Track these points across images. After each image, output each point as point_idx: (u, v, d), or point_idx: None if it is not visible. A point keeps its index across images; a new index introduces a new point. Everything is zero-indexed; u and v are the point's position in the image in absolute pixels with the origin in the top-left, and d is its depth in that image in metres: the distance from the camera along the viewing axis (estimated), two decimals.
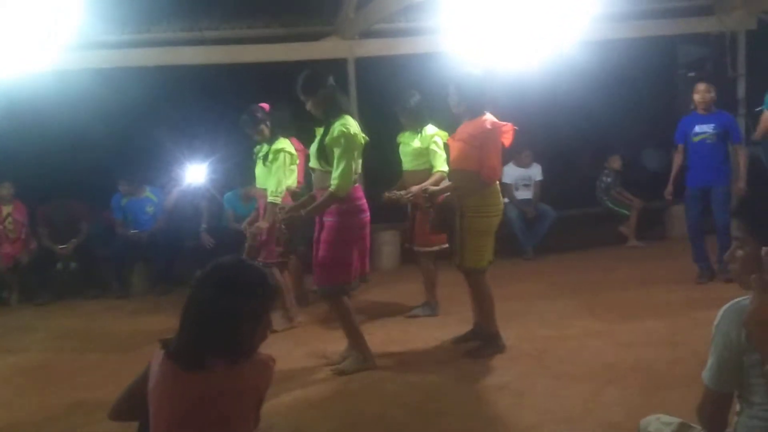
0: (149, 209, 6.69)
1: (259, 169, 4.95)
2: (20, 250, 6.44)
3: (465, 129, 4.07)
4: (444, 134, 4.80)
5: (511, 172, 7.20)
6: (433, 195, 4.32)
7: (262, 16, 6.77)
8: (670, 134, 5.96)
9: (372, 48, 6.81)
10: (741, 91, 7.04)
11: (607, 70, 6.99)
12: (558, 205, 7.23)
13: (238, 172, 6.23)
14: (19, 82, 5.20)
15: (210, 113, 6.65)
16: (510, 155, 7.25)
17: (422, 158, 4.91)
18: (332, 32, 6.82)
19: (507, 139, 4.09)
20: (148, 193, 6.72)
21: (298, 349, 4.48)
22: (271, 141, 4.83)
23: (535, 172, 7.23)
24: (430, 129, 4.92)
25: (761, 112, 5.43)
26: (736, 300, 1.75)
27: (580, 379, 3.72)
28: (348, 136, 3.68)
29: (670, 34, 7.30)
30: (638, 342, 4.23)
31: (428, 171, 4.87)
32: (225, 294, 1.80)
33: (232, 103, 5.89)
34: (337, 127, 3.70)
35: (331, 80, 3.87)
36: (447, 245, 4.58)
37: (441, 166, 4.81)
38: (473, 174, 3.98)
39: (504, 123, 4.05)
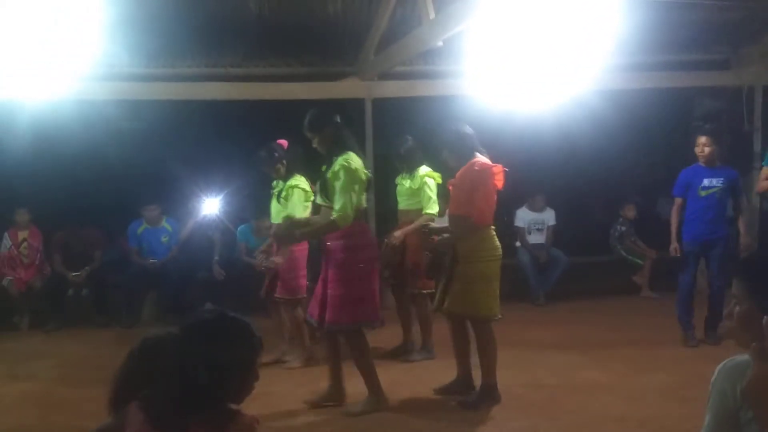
0: (164, 239, 6.75)
1: (274, 206, 5.01)
2: (33, 275, 6.50)
3: (459, 174, 4.09)
4: (437, 175, 4.94)
5: (524, 216, 7.22)
6: (431, 232, 4.34)
7: (284, 55, 6.90)
8: None
9: (390, 89, 6.91)
10: (757, 144, 7.03)
11: (623, 119, 7.02)
12: (571, 251, 7.20)
13: (252, 205, 6.29)
14: (43, 108, 5.33)
15: (227, 147, 6.74)
16: (523, 199, 7.28)
17: (415, 198, 5.01)
18: (352, 73, 6.93)
19: (499, 181, 4.06)
20: (164, 223, 6.79)
21: (301, 389, 4.43)
22: (286, 178, 4.90)
23: (549, 216, 7.23)
24: (422, 170, 5.00)
25: (762, 167, 5.40)
26: (732, 357, 1.76)
27: None
28: (349, 170, 3.73)
29: (687, 86, 7.34)
30: (648, 396, 4.17)
31: (420, 211, 4.94)
32: (210, 350, 1.73)
33: (250, 138, 5.99)
34: (338, 162, 3.77)
35: (337, 118, 3.94)
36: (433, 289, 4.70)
37: (429, 208, 4.90)
38: (464, 218, 3.96)
39: (494, 165, 4.03)
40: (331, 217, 3.74)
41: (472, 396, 4.11)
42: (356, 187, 3.77)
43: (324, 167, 3.91)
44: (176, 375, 1.74)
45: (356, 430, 3.79)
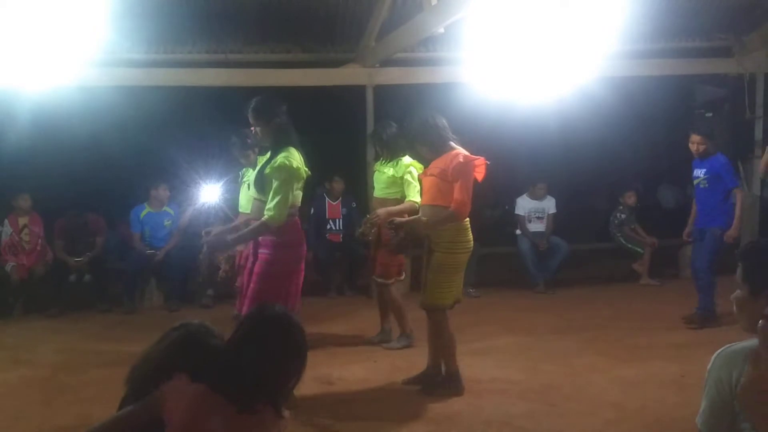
0: (167, 223, 6.74)
1: (244, 194, 4.93)
2: (35, 261, 6.52)
3: (436, 164, 4.00)
4: (420, 166, 4.77)
5: (524, 204, 7.22)
6: (398, 226, 4.18)
7: (285, 42, 6.88)
8: (686, 173, 5.97)
9: (391, 76, 6.89)
10: (758, 132, 7.02)
11: (625, 107, 7.02)
12: (571, 239, 7.21)
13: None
14: (44, 95, 5.33)
15: (227, 134, 6.75)
16: (524, 187, 7.29)
17: (395, 187, 4.90)
18: (353, 60, 6.91)
19: (480, 174, 4.01)
20: (167, 207, 6.79)
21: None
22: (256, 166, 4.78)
23: (549, 204, 7.23)
24: (406, 159, 4.90)
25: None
26: (728, 345, 1.80)
27: (585, 418, 3.71)
28: (289, 169, 3.59)
29: (689, 73, 7.33)
30: (645, 382, 4.20)
31: (398, 201, 4.84)
32: (287, 350, 2.02)
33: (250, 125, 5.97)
34: (279, 158, 3.61)
35: (284, 109, 3.78)
36: (401, 278, 4.76)
37: (413, 196, 4.75)
38: (443, 209, 3.89)
39: (476, 157, 3.97)
40: (263, 218, 3.61)
41: (435, 384, 4.10)
42: (294, 186, 3.63)
43: (264, 159, 3.78)
44: (254, 363, 1.97)
45: (358, 414, 3.83)
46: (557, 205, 7.23)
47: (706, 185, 5.48)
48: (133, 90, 6.64)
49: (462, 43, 5.48)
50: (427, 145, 4.08)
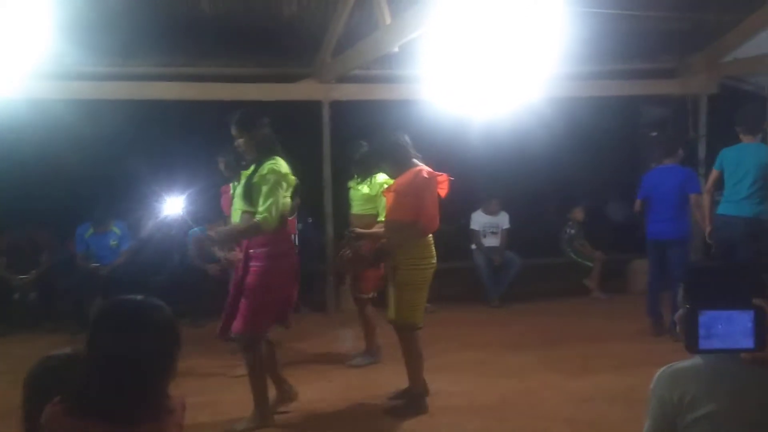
0: (113, 243, 6.60)
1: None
2: None
3: (400, 180, 4.06)
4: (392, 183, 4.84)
5: (479, 219, 7.32)
6: (363, 237, 4.31)
7: (239, 56, 6.83)
8: (632, 190, 6.17)
9: (347, 92, 6.91)
10: (702, 151, 7.28)
11: (574, 126, 7.20)
12: (524, 254, 7.33)
13: (207, 208, 6.22)
14: None
15: (184, 148, 6.66)
16: (478, 203, 7.39)
17: (370, 204, 4.96)
18: (309, 75, 6.91)
19: (443, 190, 4.06)
20: (113, 227, 6.64)
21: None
22: None
23: (503, 220, 7.35)
24: (380, 177, 4.94)
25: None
26: (670, 364, 1.84)
27: None
28: (278, 173, 3.62)
29: (634, 94, 7.56)
30: (597, 397, 4.29)
31: (375, 216, 4.89)
32: (139, 337, 1.70)
33: (205, 140, 5.92)
34: (267, 165, 3.63)
35: (267, 121, 3.81)
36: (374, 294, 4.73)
37: None
38: (407, 225, 3.92)
39: (440, 173, 4.03)
40: (255, 220, 3.58)
41: (401, 403, 4.10)
42: (284, 191, 3.64)
43: (250, 170, 3.76)
44: (111, 364, 1.69)
45: None
46: (510, 221, 7.36)
47: (670, 195, 5.76)
48: (83, 103, 6.49)
49: (417, 61, 5.56)
50: (391, 162, 4.13)
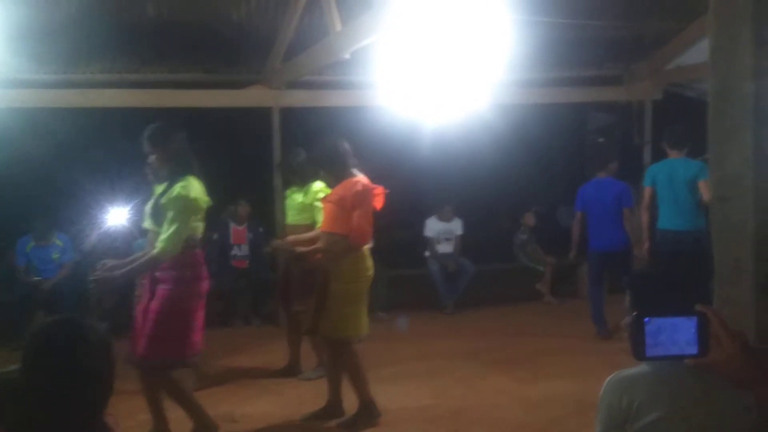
0: (55, 256, 6.36)
1: None
2: None
3: (336, 191, 4.00)
4: (330, 191, 4.68)
5: (433, 226, 7.32)
6: (301, 256, 4.21)
7: (186, 62, 6.66)
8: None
9: (297, 99, 6.82)
10: (647, 157, 7.45)
11: (524, 132, 7.30)
12: (477, 260, 7.37)
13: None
14: None
15: (129, 157, 6.45)
16: (432, 210, 7.40)
17: (306, 213, 4.87)
18: (258, 81, 6.80)
19: (378, 203, 4.01)
20: (55, 239, 6.39)
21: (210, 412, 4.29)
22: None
23: (456, 226, 7.37)
24: (317, 185, 4.89)
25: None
26: (617, 372, 1.85)
27: None
28: (186, 199, 3.44)
29: (581, 101, 7.70)
30: (549, 403, 4.31)
31: (310, 226, 4.80)
32: (74, 359, 1.64)
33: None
34: (176, 188, 3.46)
35: (182, 136, 3.63)
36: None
37: None
38: (342, 237, 3.86)
39: (375, 186, 3.99)
40: (153, 252, 3.41)
41: (350, 417, 4.02)
42: (190, 217, 3.47)
43: (159, 189, 3.60)
44: (42, 390, 1.63)
45: None
46: (465, 227, 7.39)
47: (609, 208, 5.93)
48: (23, 111, 6.23)
49: (369, 67, 5.53)
50: (329, 170, 4.09)
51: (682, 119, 5.97)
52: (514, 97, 6.94)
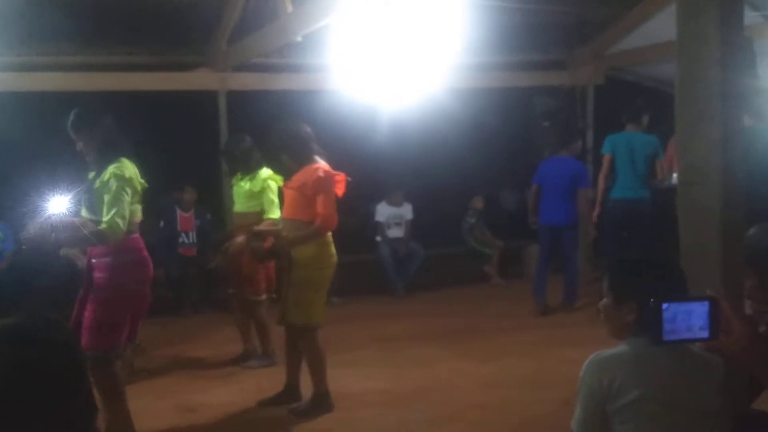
0: None
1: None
2: None
3: (297, 177, 3.95)
4: (278, 178, 4.70)
5: (383, 211, 7.33)
6: (261, 235, 4.13)
7: (127, 43, 6.42)
8: (526, 179, 6.44)
9: (245, 82, 6.68)
10: (589, 140, 7.66)
11: (473, 116, 7.35)
12: (427, 244, 7.43)
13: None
14: None
15: (69, 143, 6.17)
16: (383, 194, 7.40)
17: (254, 200, 4.78)
18: (203, 63, 6.62)
19: (340, 189, 3.99)
20: None
21: (162, 401, 4.21)
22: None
23: (407, 211, 7.40)
24: (264, 172, 4.81)
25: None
26: (598, 352, 1.91)
27: (452, 422, 3.82)
28: (121, 178, 3.30)
29: (527, 85, 7.83)
30: (504, 382, 4.40)
31: (259, 214, 4.73)
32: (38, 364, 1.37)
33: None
34: (109, 170, 3.31)
35: (108, 120, 3.50)
36: (275, 294, 4.54)
37: (273, 212, 4.65)
38: (305, 224, 3.83)
39: (337, 173, 3.96)
40: (99, 228, 3.25)
41: (303, 403, 4.01)
42: (129, 197, 3.32)
43: (91, 175, 3.45)
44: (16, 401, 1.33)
45: None
46: (414, 211, 7.43)
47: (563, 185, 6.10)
48: None
49: (321, 51, 5.46)
50: (291, 155, 4.00)
51: (623, 103, 6.20)
52: (463, 81, 6.99)
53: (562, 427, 3.66)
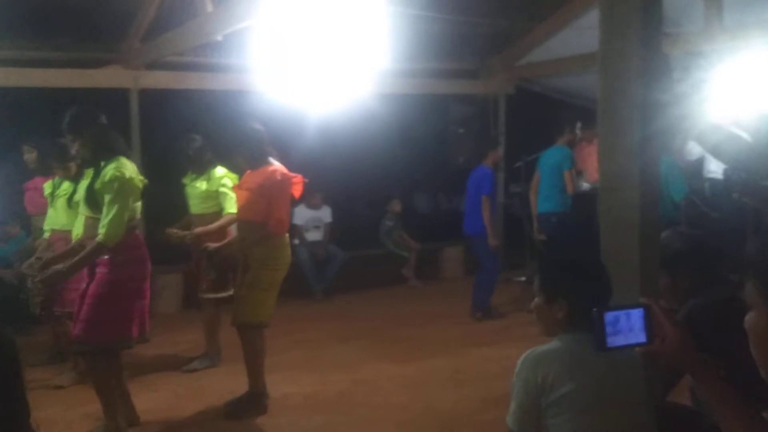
0: None
1: (59, 210, 4.46)
2: None
3: (252, 178, 3.96)
4: (234, 176, 4.70)
5: (302, 214, 7.30)
6: (215, 251, 4.29)
7: (34, 38, 6.07)
8: (441, 183, 6.59)
9: (159, 80, 6.47)
10: (501, 148, 7.92)
11: (393, 122, 7.47)
12: (345, 246, 7.46)
13: (2, 209, 5.48)
14: None
15: None
16: (301, 197, 7.35)
17: (211, 201, 4.76)
18: (114, 60, 6.36)
19: (297, 191, 4.06)
20: None
21: (72, 411, 4.02)
22: (76, 178, 4.25)
23: (325, 213, 7.41)
24: (219, 171, 4.79)
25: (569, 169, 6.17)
26: (533, 348, 2.00)
27: (377, 423, 3.87)
28: (122, 180, 3.36)
29: (443, 93, 8.02)
30: (426, 382, 4.50)
31: (217, 214, 4.72)
32: None
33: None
34: (109, 171, 3.36)
35: (103, 119, 3.55)
36: (231, 293, 4.52)
37: (231, 208, 4.63)
38: (259, 225, 3.86)
39: (294, 174, 4.02)
40: (97, 239, 3.32)
41: (237, 403, 3.99)
42: (130, 199, 3.41)
43: (90, 174, 3.47)
44: None
45: None
46: (333, 214, 7.44)
47: (471, 193, 6.19)
48: None
49: (242, 51, 5.38)
50: (246, 156, 3.98)
51: (532, 113, 6.50)
52: (383, 86, 7.06)
53: (486, 424, 3.81)
